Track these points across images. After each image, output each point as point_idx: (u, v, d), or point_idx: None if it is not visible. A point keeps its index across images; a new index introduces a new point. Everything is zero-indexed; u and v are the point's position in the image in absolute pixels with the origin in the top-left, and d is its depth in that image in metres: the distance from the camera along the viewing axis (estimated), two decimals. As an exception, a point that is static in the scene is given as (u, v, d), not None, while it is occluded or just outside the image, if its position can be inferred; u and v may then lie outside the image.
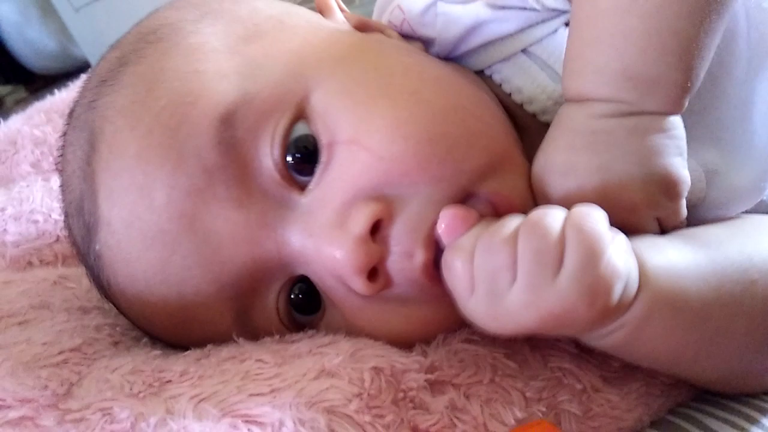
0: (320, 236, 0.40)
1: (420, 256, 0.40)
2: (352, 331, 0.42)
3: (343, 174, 0.41)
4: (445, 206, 0.40)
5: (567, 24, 0.47)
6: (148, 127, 0.41)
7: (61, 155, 0.48)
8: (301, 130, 0.41)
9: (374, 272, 0.40)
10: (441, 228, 0.40)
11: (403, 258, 0.40)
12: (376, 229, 0.40)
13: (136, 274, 0.42)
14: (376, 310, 0.41)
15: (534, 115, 0.48)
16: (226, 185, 0.40)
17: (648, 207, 0.41)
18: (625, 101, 0.41)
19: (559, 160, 0.42)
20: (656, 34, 0.40)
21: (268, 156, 0.41)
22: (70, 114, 0.48)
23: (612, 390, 0.42)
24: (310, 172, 0.41)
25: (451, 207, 0.40)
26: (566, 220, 0.37)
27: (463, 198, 0.41)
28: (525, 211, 0.40)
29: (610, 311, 0.37)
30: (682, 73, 0.41)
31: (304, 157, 0.41)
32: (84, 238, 0.44)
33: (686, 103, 0.42)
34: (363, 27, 0.50)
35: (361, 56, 0.45)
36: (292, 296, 0.43)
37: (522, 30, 0.48)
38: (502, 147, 0.44)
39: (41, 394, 0.38)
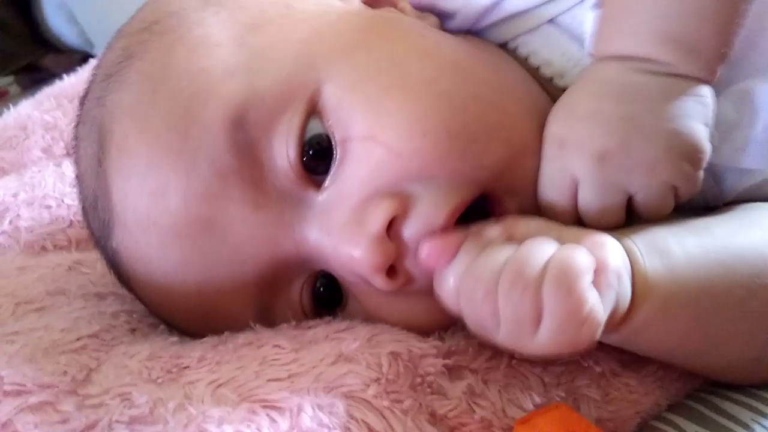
0: (337, 235, 0.39)
1: None
2: (374, 321, 0.42)
3: (359, 171, 0.40)
4: (423, 239, 0.39)
5: None
6: (157, 130, 0.40)
7: (75, 148, 0.47)
8: (314, 127, 0.40)
9: (393, 269, 0.39)
10: (423, 256, 0.39)
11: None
12: (392, 225, 0.39)
13: (155, 273, 0.42)
14: (398, 303, 0.41)
15: (564, 89, 0.46)
16: (242, 188, 0.40)
17: (667, 167, 0.40)
18: (665, 62, 0.40)
19: (585, 105, 0.41)
20: None
21: (284, 156, 0.40)
22: (81, 106, 0.47)
23: (630, 374, 0.42)
24: (325, 170, 0.40)
25: (429, 239, 0.39)
26: (546, 267, 0.35)
27: (479, 192, 0.40)
28: None
29: (598, 330, 0.36)
30: (721, 40, 0.41)
31: (317, 155, 0.40)
32: (101, 233, 0.44)
33: (719, 71, 0.41)
34: (374, 2, 0.48)
35: (374, 43, 0.43)
36: (315, 290, 0.43)
37: (549, 0, 0.47)
38: (524, 136, 0.43)
39: (60, 380, 0.38)
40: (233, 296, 0.42)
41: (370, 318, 0.42)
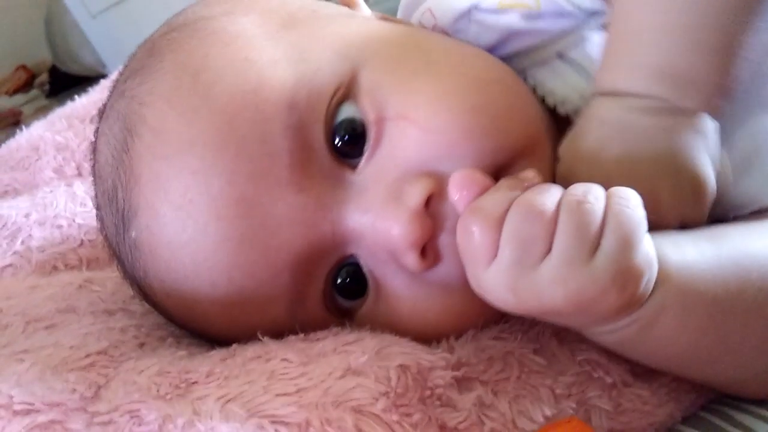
0: (376, 212, 0.40)
1: None
2: (391, 318, 0.42)
3: (393, 150, 0.41)
4: (456, 171, 0.39)
5: (604, 26, 0.47)
6: (199, 113, 0.41)
7: (94, 147, 0.47)
8: (347, 110, 0.42)
9: (424, 249, 0.40)
10: (454, 192, 0.39)
11: (454, 234, 0.40)
12: (427, 204, 0.40)
13: (182, 259, 0.41)
14: (419, 292, 0.42)
15: (566, 118, 0.48)
16: (290, 169, 0.40)
17: (672, 204, 0.41)
18: (660, 98, 0.41)
19: (587, 148, 0.42)
20: (695, 30, 0.40)
21: (322, 138, 0.41)
22: (102, 108, 0.48)
23: (642, 384, 0.42)
24: (359, 153, 0.42)
25: (463, 170, 0.39)
26: (608, 201, 0.36)
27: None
28: None
29: (634, 301, 0.36)
30: (721, 73, 0.41)
31: (351, 139, 0.42)
32: (117, 227, 0.44)
33: (721, 106, 0.41)
34: (388, 21, 0.51)
35: (401, 37, 0.46)
36: (339, 281, 0.43)
37: (556, 37, 0.48)
38: (538, 128, 0.44)
39: (69, 398, 0.38)
40: (266, 285, 0.41)
41: (386, 314, 0.42)
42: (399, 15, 0.55)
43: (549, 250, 0.36)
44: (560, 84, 0.48)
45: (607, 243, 0.35)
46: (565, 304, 0.36)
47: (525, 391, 0.39)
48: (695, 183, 0.41)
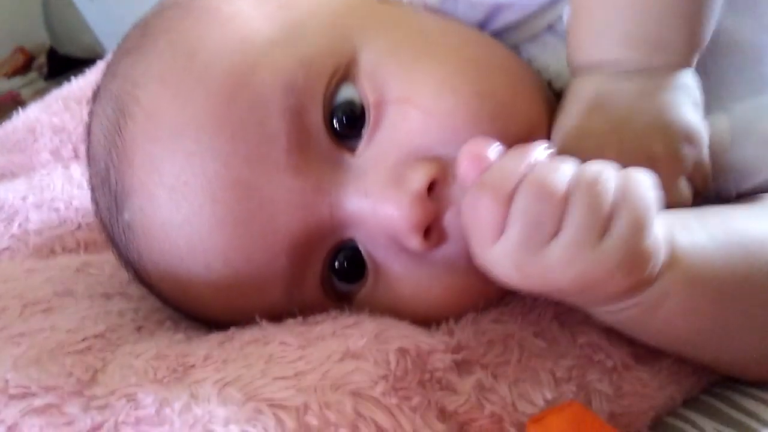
0: (376, 195, 0.40)
1: None
2: (391, 300, 0.42)
3: (394, 133, 0.41)
4: (465, 145, 0.39)
5: None
6: (194, 94, 0.40)
7: (88, 128, 0.47)
8: (346, 92, 0.41)
9: (428, 230, 0.40)
10: (463, 163, 0.38)
11: (457, 214, 0.39)
12: (431, 189, 0.39)
13: (176, 241, 0.41)
14: (422, 273, 0.41)
15: (560, 92, 0.47)
16: (287, 152, 0.40)
17: (669, 158, 0.41)
18: (631, 60, 0.41)
19: (574, 126, 0.42)
20: (657, 1, 0.41)
21: (320, 120, 0.41)
22: (96, 89, 0.47)
23: (643, 367, 0.42)
24: (358, 136, 0.41)
25: (474, 139, 0.39)
26: (620, 183, 0.36)
27: None
28: None
29: (640, 284, 0.36)
30: (690, 33, 0.41)
31: (350, 121, 0.41)
32: (110, 209, 0.44)
33: (696, 58, 0.42)
34: (385, 3, 0.50)
35: (401, 19, 0.46)
36: (337, 264, 0.43)
37: (544, 9, 0.48)
38: (540, 111, 0.44)
39: (66, 382, 0.37)
40: (263, 268, 0.41)
41: (388, 297, 0.42)
42: None
43: (558, 230, 0.35)
44: (553, 59, 0.48)
45: (618, 226, 0.35)
46: (570, 284, 0.36)
47: (525, 375, 0.39)
48: (686, 131, 0.41)
